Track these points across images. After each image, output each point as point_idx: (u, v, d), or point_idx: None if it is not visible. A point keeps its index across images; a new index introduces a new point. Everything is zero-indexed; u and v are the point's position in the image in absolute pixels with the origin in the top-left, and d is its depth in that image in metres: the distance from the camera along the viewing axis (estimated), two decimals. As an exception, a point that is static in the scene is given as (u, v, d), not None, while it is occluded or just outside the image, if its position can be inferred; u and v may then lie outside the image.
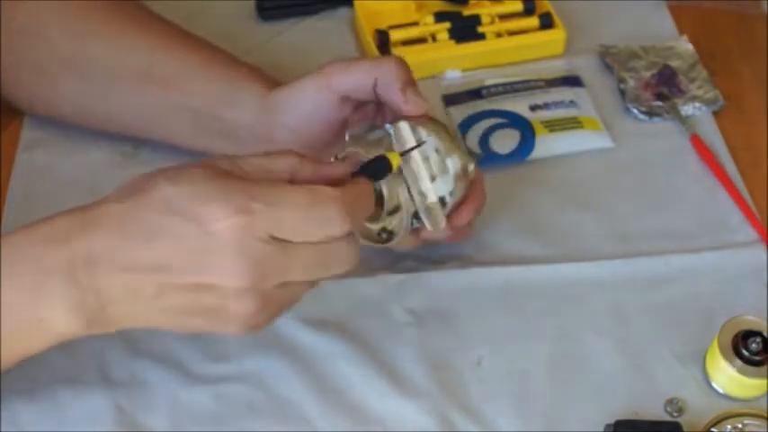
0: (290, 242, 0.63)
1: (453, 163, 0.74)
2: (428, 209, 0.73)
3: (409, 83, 0.74)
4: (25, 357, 0.66)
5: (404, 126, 0.73)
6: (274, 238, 0.63)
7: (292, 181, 0.66)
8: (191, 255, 0.62)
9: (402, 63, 0.75)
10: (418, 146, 0.72)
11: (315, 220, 0.63)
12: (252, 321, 0.65)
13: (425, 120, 0.75)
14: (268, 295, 0.64)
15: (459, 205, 0.76)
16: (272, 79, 0.83)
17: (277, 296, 0.64)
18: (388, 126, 0.73)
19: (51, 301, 0.63)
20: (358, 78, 0.76)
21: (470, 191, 0.77)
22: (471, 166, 0.76)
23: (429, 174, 0.73)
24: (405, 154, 0.71)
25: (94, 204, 0.64)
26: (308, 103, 0.77)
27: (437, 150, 0.73)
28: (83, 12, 0.84)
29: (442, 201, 0.74)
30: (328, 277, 0.66)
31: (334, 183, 0.66)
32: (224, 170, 0.64)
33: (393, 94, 0.74)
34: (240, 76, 0.82)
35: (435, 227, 0.73)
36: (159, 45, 0.83)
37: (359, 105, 0.79)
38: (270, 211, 0.62)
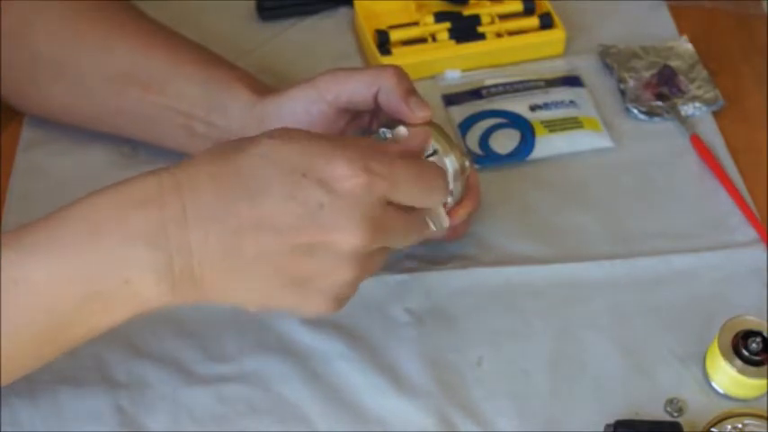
0: (394, 206, 0.65)
1: (451, 162, 0.74)
2: (431, 210, 0.73)
3: (411, 91, 0.74)
4: (109, 329, 0.65)
5: (402, 130, 0.73)
6: (386, 201, 0.64)
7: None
8: (305, 212, 0.62)
9: (401, 72, 0.75)
10: (434, 153, 0.73)
11: (423, 189, 0.66)
12: (342, 293, 0.66)
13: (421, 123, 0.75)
14: (365, 262, 0.65)
15: (456, 204, 0.76)
16: (262, 84, 0.82)
17: (369, 265, 0.66)
18: (383, 131, 0.73)
19: (137, 265, 0.62)
20: (354, 89, 0.75)
21: (466, 189, 0.77)
22: (467, 164, 0.76)
23: None
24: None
25: (183, 165, 0.64)
26: (303, 115, 0.77)
27: (435, 151, 0.74)
28: (68, 14, 0.83)
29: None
30: (408, 244, 0.69)
31: None
32: (322, 136, 0.65)
33: (396, 104, 0.74)
34: (228, 79, 0.81)
35: (439, 227, 0.73)
36: (142, 47, 0.83)
37: (355, 116, 0.78)
38: (387, 173, 0.64)
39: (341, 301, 0.67)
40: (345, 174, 0.62)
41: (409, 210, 0.67)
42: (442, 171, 0.69)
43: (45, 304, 0.63)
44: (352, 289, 0.67)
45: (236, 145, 0.64)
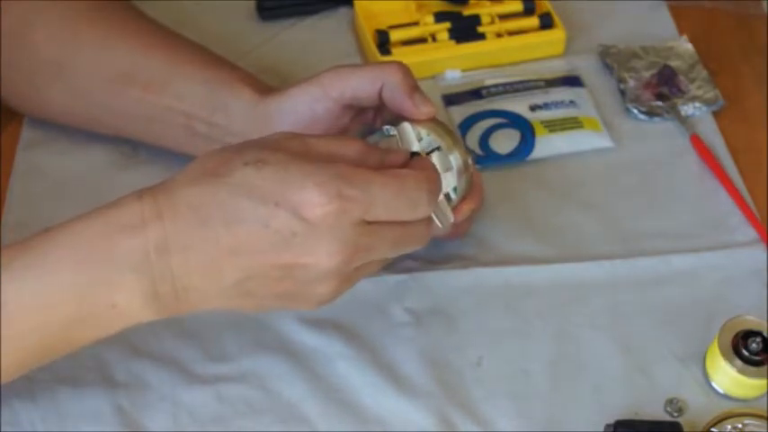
0: (377, 223, 0.65)
1: (455, 159, 0.74)
2: (436, 206, 0.73)
3: (415, 87, 0.74)
4: (99, 340, 0.66)
5: (407, 126, 0.73)
6: (364, 221, 0.64)
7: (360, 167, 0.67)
8: (280, 239, 0.63)
9: (405, 68, 0.75)
10: (438, 149, 0.73)
11: (405, 204, 0.66)
12: (326, 299, 0.67)
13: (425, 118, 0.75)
14: (347, 275, 0.66)
15: (460, 200, 0.76)
16: (263, 84, 0.81)
17: (353, 275, 0.67)
18: (387, 128, 0.73)
19: (123, 290, 0.63)
20: (358, 85, 0.75)
21: (469, 186, 0.77)
22: (470, 161, 0.76)
23: None
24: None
25: (164, 188, 0.65)
26: (306, 113, 0.77)
27: (439, 148, 0.74)
28: (68, 14, 0.83)
29: (447, 197, 0.74)
30: (409, 250, 0.70)
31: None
32: (300, 152, 0.65)
33: (400, 100, 0.74)
34: (230, 79, 0.81)
35: (445, 223, 0.73)
36: (142, 47, 0.82)
37: (359, 112, 0.78)
38: (362, 196, 0.64)
39: (330, 301, 0.68)
40: (317, 201, 0.63)
41: (402, 221, 0.67)
42: (426, 182, 0.68)
43: (34, 325, 0.64)
44: (336, 296, 0.67)
45: (213, 168, 0.64)
